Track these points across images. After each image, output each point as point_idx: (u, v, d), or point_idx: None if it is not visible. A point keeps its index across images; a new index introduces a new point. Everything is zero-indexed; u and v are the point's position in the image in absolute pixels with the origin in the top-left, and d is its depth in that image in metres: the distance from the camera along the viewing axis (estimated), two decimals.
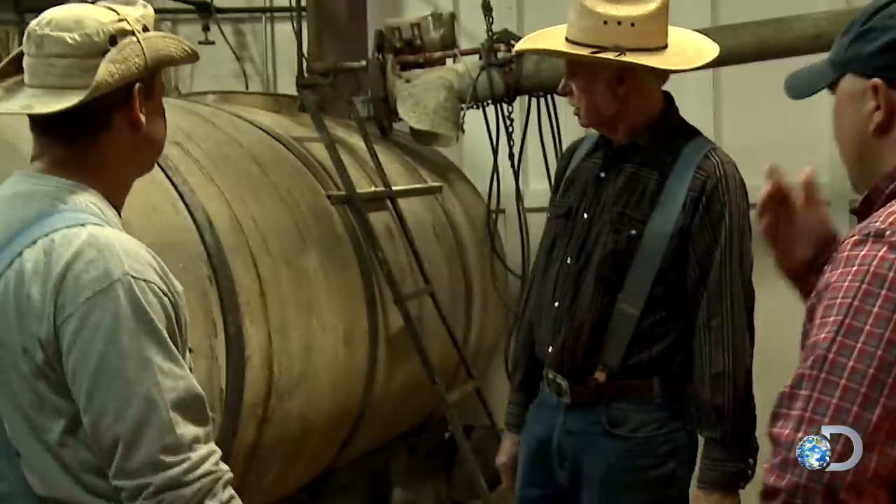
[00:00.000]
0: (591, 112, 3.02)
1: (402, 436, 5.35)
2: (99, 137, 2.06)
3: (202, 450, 1.94)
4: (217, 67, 6.68)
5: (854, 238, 1.60)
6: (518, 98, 5.52)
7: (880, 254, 1.54)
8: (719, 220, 2.90)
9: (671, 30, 3.01)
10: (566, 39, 2.97)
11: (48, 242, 1.93)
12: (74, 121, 2.02)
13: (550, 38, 3.08)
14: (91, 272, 1.90)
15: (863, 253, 1.56)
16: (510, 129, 5.59)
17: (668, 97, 3.10)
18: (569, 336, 3.02)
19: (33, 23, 2.04)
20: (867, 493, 1.50)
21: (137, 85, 2.07)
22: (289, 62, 6.22)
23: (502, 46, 5.39)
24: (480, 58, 5.42)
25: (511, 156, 5.62)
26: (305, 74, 5.65)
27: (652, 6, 2.89)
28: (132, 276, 1.93)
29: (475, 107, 5.48)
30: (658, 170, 2.97)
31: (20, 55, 2.08)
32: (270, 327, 3.56)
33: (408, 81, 5.30)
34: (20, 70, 2.08)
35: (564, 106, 5.61)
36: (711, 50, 3.09)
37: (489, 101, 5.48)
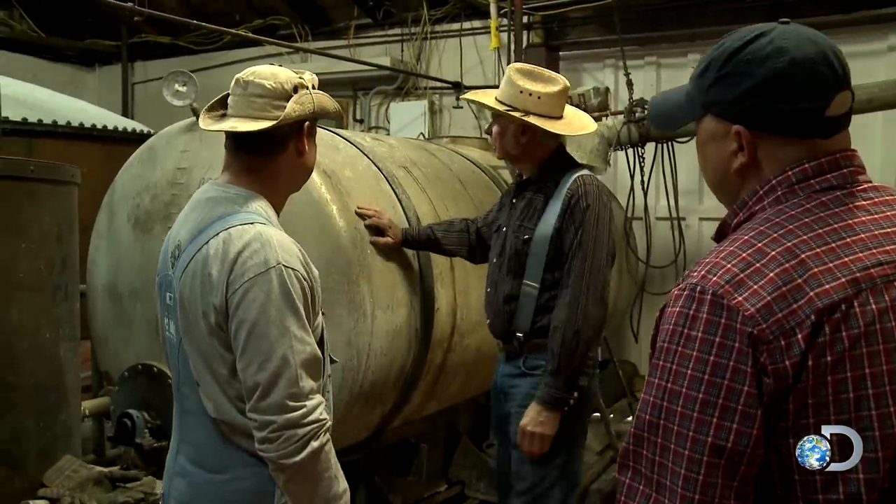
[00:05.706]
0: (501, 149, 2.78)
1: None
2: (275, 156, 1.85)
3: (315, 400, 1.70)
4: (464, 122, 6.48)
5: (675, 292, 1.15)
6: (647, 144, 5.06)
7: (690, 312, 1.10)
8: (580, 224, 2.58)
9: (569, 108, 2.76)
10: (496, 98, 2.71)
11: (226, 235, 1.74)
12: (262, 141, 1.82)
13: (488, 95, 2.78)
14: (254, 259, 1.70)
15: (677, 310, 1.12)
16: (642, 164, 5.14)
17: (559, 146, 2.77)
18: (496, 312, 2.73)
19: (240, 74, 1.87)
20: None
21: (307, 123, 1.87)
22: None
23: (639, 109, 4.95)
24: (624, 116, 4.99)
25: (642, 182, 5.19)
26: None
27: (555, 88, 2.66)
28: (283, 266, 1.70)
29: (619, 149, 5.06)
30: (544, 194, 2.69)
31: (225, 97, 1.90)
32: (456, 290, 3.33)
33: None
34: (223, 107, 1.91)
35: (679, 148, 5.14)
36: (591, 125, 2.79)
37: (628, 145, 5.04)
